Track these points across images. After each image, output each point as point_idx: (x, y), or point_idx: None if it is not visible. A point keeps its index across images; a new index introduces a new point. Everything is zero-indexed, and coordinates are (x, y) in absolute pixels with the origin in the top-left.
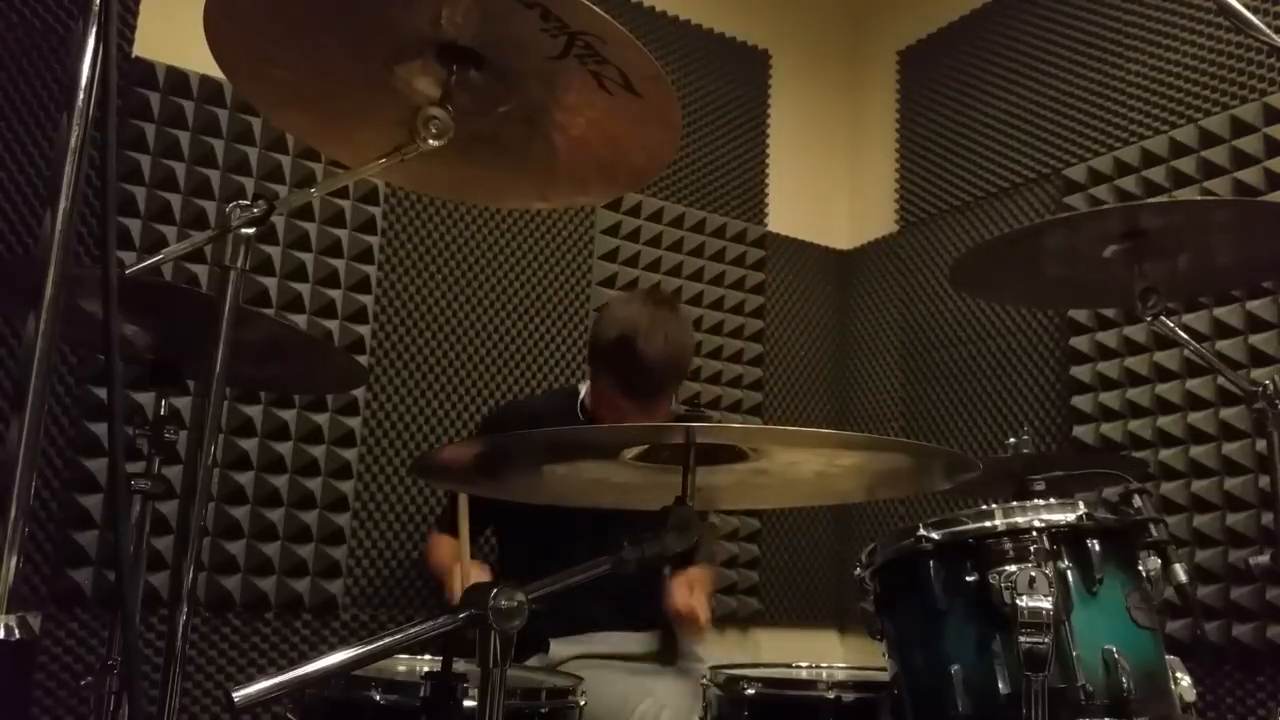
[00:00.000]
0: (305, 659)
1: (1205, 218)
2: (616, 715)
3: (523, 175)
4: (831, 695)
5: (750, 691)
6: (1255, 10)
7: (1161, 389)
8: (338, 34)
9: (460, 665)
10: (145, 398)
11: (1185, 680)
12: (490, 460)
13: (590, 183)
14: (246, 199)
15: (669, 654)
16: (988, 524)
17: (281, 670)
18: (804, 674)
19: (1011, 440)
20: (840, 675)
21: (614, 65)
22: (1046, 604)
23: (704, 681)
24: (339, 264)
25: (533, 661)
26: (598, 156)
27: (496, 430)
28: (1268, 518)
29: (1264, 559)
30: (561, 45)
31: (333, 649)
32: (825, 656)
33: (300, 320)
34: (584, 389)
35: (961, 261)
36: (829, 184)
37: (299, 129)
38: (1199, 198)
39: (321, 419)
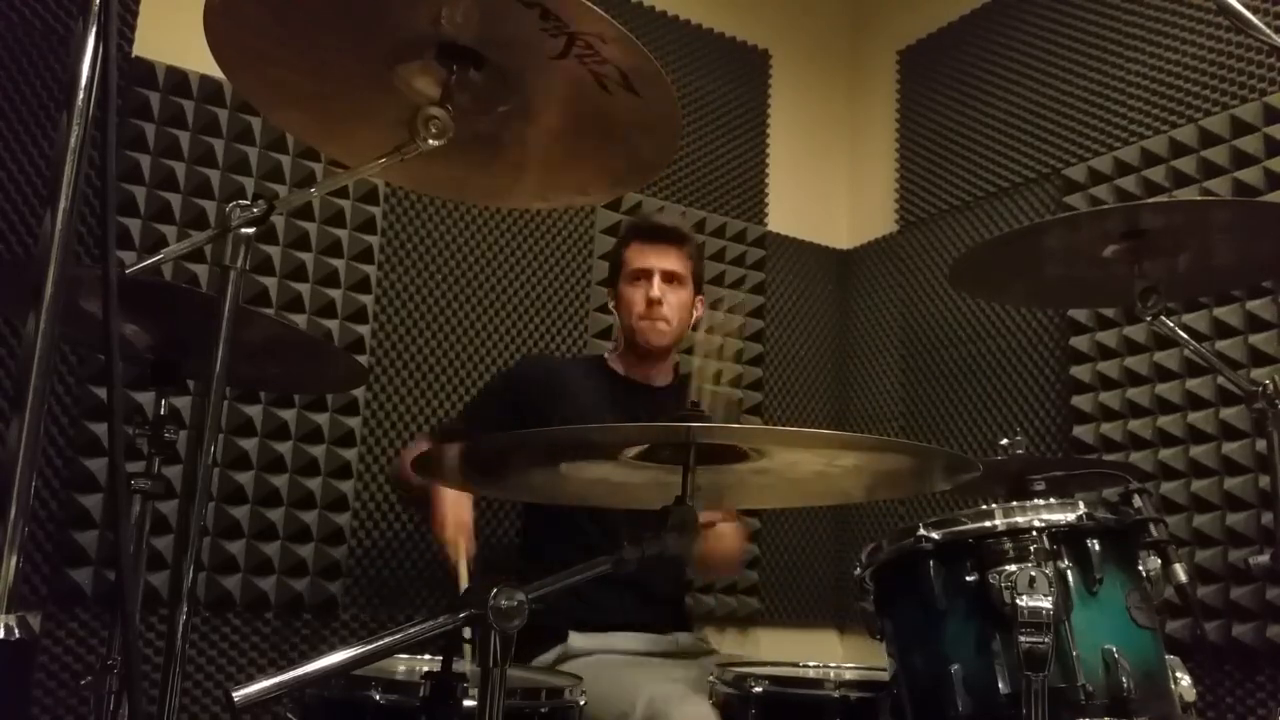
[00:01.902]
0: (305, 659)
1: (1205, 217)
2: (623, 702)
3: (523, 175)
4: (838, 694)
5: (758, 689)
6: (1255, 10)
7: (1161, 389)
8: (337, 34)
9: (460, 665)
10: (145, 398)
11: (1185, 680)
12: (490, 459)
13: (590, 183)
14: (246, 199)
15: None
16: (988, 524)
17: (281, 670)
18: (811, 673)
19: (1004, 441)
20: (848, 675)
21: (613, 65)
22: (1046, 604)
23: (711, 679)
24: (339, 264)
25: (552, 652)
26: (598, 156)
27: (516, 381)
28: (1268, 518)
29: (1264, 559)
30: (561, 45)
31: (333, 649)
32: (825, 656)
33: (300, 320)
34: (608, 354)
35: (961, 261)
36: (829, 184)
37: (299, 129)
38: (1199, 197)
39: (321, 419)
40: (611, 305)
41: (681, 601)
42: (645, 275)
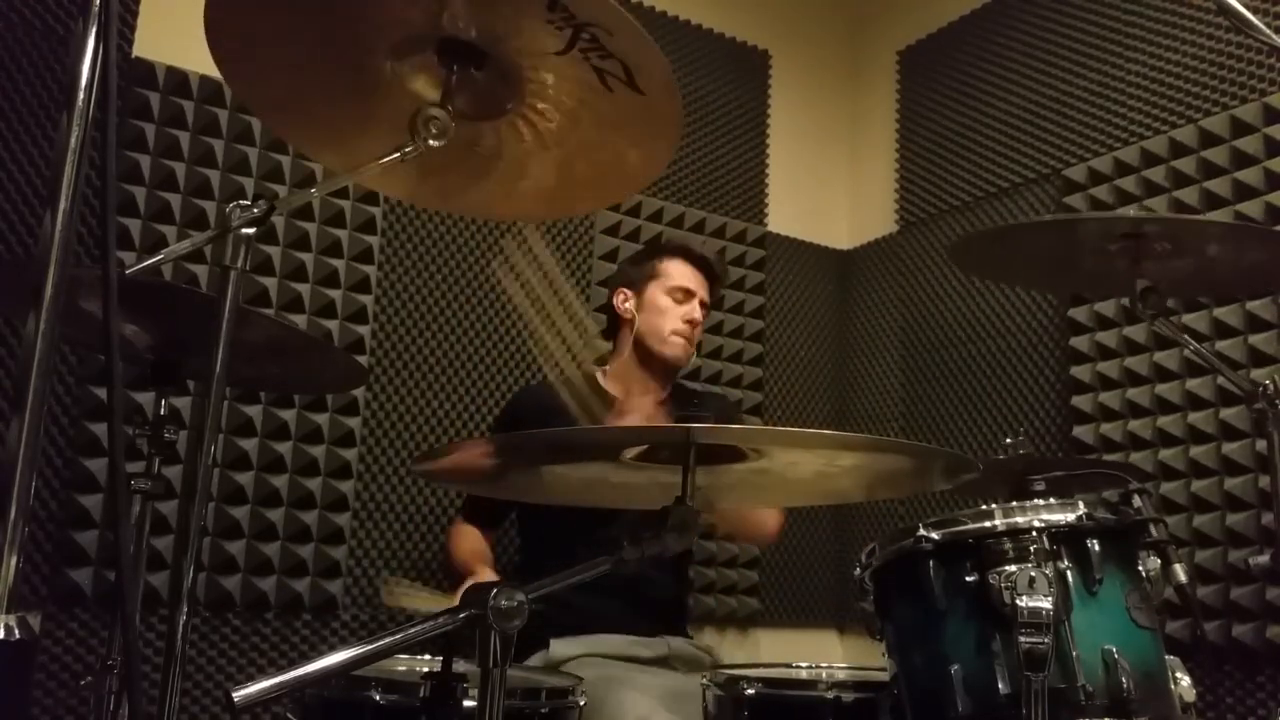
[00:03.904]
0: (305, 659)
1: (1200, 232)
2: (618, 716)
3: (522, 185)
4: (831, 695)
5: (750, 691)
6: (1255, 10)
7: (1161, 389)
8: (338, 30)
9: (460, 665)
10: (145, 398)
11: (1185, 680)
12: (490, 461)
13: (590, 190)
14: (246, 199)
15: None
16: (988, 524)
17: (281, 670)
18: (804, 674)
19: (1008, 440)
20: (840, 675)
21: (618, 59)
22: (1046, 604)
23: (704, 681)
24: (339, 264)
25: (534, 660)
26: (599, 161)
27: (517, 418)
28: (1268, 518)
29: (1264, 559)
30: (566, 39)
31: (333, 649)
32: (825, 656)
33: (300, 320)
34: (600, 374)
35: (961, 242)
36: (829, 184)
37: (297, 137)
38: (1194, 216)
39: (321, 419)
40: (628, 305)
41: (677, 604)
42: (690, 295)
